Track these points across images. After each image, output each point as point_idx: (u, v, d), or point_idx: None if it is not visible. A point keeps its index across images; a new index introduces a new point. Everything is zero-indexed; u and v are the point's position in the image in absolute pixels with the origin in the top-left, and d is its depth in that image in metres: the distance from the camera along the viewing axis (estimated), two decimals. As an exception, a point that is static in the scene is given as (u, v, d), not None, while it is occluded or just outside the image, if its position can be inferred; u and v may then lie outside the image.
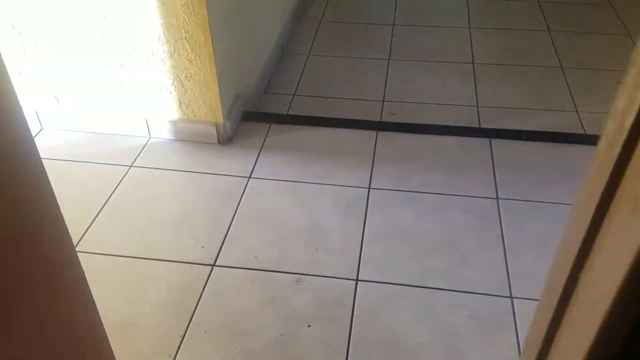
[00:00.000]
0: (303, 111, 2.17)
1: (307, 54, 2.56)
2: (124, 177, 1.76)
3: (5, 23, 1.73)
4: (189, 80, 1.78)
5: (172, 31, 1.68)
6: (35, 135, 1.92)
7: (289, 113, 2.16)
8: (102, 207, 1.66)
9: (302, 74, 2.42)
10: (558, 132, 1.96)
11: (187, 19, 1.65)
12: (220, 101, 1.81)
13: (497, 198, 1.69)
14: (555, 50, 2.53)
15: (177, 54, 1.72)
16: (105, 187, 1.73)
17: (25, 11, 1.70)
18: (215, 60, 1.72)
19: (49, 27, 1.72)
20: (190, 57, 1.73)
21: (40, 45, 1.76)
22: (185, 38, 1.69)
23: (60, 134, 1.94)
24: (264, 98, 2.24)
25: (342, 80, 2.36)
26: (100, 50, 1.75)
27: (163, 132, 1.90)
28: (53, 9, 1.68)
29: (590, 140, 1.91)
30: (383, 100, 2.23)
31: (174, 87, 1.80)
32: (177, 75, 1.77)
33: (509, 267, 1.47)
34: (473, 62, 2.46)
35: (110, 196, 1.70)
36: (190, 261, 1.49)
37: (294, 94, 2.28)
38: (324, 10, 2.93)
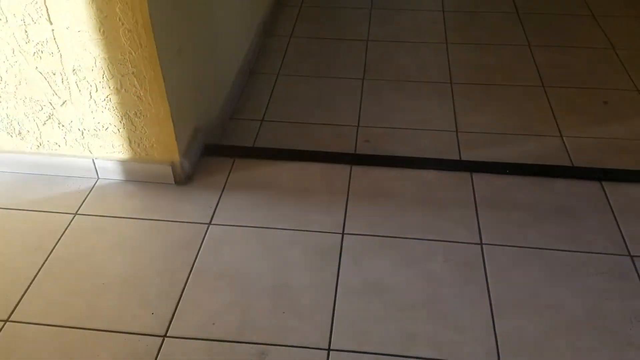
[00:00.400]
0: (272, 139, 2.00)
1: (276, 74, 2.40)
2: (67, 227, 1.58)
3: None
4: (139, 118, 1.60)
5: (117, 66, 1.50)
6: (-30, 179, 1.73)
7: (257, 141, 1.99)
8: (42, 266, 1.47)
9: (270, 96, 2.25)
10: (543, 165, 1.82)
11: (133, 53, 1.47)
12: (176, 138, 1.63)
13: (481, 243, 1.54)
14: (537, 67, 2.41)
15: (125, 90, 1.54)
16: (47, 239, 1.54)
17: (-51, 44, 1.50)
18: (167, 96, 1.55)
19: (-23, 61, 1.53)
20: (140, 94, 1.55)
21: (-31, 81, 1.57)
22: (133, 73, 1.51)
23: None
24: (230, 125, 2.07)
25: (314, 102, 2.20)
26: (39, 87, 1.56)
27: (113, 172, 1.72)
28: (-19, 41, 1.49)
29: (577, 173, 1.78)
30: (358, 126, 2.08)
31: (122, 124, 1.61)
32: (126, 113, 1.59)
33: (496, 328, 1.33)
34: (451, 82, 2.33)
35: (51, 251, 1.51)
36: (138, 331, 1.31)
37: (262, 119, 2.12)
38: (294, 25, 2.76)
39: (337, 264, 1.49)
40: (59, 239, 1.54)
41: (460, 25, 2.75)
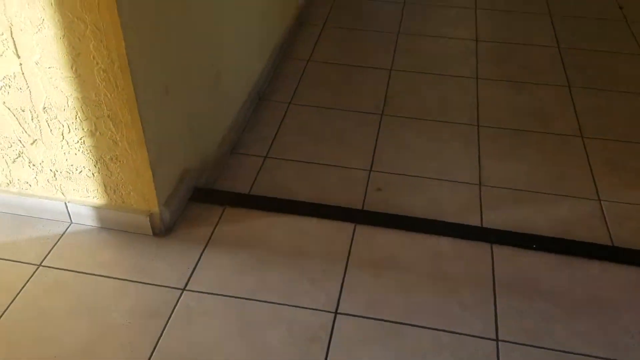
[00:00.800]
0: (273, 180, 1.80)
1: (287, 103, 2.20)
2: (27, 281, 1.40)
3: None
4: (115, 163, 1.42)
5: (91, 107, 1.32)
6: None
7: (256, 182, 1.79)
8: (-8, 328, 1.30)
9: (279, 128, 2.05)
10: (576, 242, 1.58)
11: (108, 95, 1.29)
12: (155, 187, 1.45)
13: (497, 340, 1.32)
14: (576, 113, 2.15)
15: (100, 133, 1.36)
16: (2, 296, 1.37)
17: None
18: (145, 143, 1.36)
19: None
20: (116, 138, 1.37)
21: None
22: (108, 116, 1.33)
23: (-35, 212, 1.59)
24: (231, 160, 1.88)
25: (325, 138, 2.00)
26: (7, 123, 1.39)
27: (86, 218, 1.54)
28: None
29: (618, 256, 1.53)
30: (370, 170, 1.87)
31: (97, 169, 1.44)
32: (101, 157, 1.41)
33: None
34: (478, 124, 2.09)
35: (4, 311, 1.33)
36: None
37: (265, 156, 1.92)
38: (314, 48, 2.55)
39: (324, 353, 1.28)
40: (16, 297, 1.36)
41: (494, 58, 2.50)
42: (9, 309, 1.34)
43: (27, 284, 1.39)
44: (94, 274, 1.42)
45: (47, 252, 1.47)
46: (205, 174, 1.73)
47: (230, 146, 1.92)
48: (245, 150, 1.94)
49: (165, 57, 1.40)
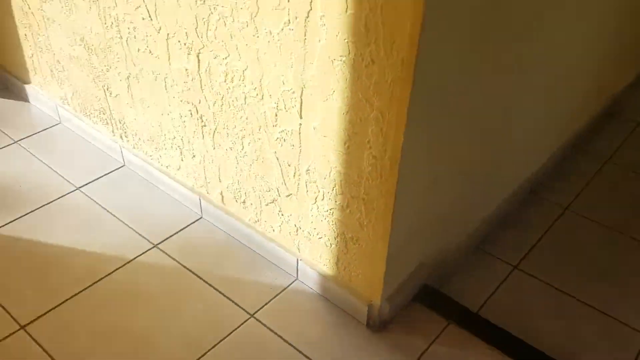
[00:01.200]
0: (514, 302, 1.53)
1: (565, 207, 1.87)
2: (235, 330, 1.39)
3: (188, 107, 1.52)
4: (354, 244, 1.33)
5: (350, 185, 1.25)
6: (193, 222, 1.71)
7: (494, 296, 1.55)
8: (189, 366, 1.32)
9: (543, 236, 1.76)
10: None
11: (370, 180, 1.20)
12: (384, 280, 1.33)
13: None
14: None
15: (350, 211, 1.29)
16: (208, 336, 1.37)
17: (209, 103, 1.45)
18: (390, 236, 1.24)
19: (229, 122, 1.45)
20: (363, 222, 1.28)
21: (219, 138, 1.51)
22: (363, 200, 1.24)
23: (214, 232, 1.68)
24: (473, 257, 1.66)
25: (600, 270, 1.64)
26: (271, 171, 1.42)
27: (311, 280, 1.50)
28: (235, 107, 1.40)
29: None
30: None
31: (336, 242, 1.38)
32: (343, 233, 1.34)
33: None
34: None
35: (203, 354, 1.32)
36: None
37: (515, 266, 1.65)
38: (620, 146, 2.14)
39: None
40: (219, 343, 1.36)
41: None
42: (208, 353, 1.34)
43: (233, 333, 1.39)
44: (294, 347, 1.36)
45: (264, 304, 1.46)
46: (440, 268, 1.55)
47: (478, 240, 1.70)
48: (493, 250, 1.70)
49: (440, 151, 1.26)
